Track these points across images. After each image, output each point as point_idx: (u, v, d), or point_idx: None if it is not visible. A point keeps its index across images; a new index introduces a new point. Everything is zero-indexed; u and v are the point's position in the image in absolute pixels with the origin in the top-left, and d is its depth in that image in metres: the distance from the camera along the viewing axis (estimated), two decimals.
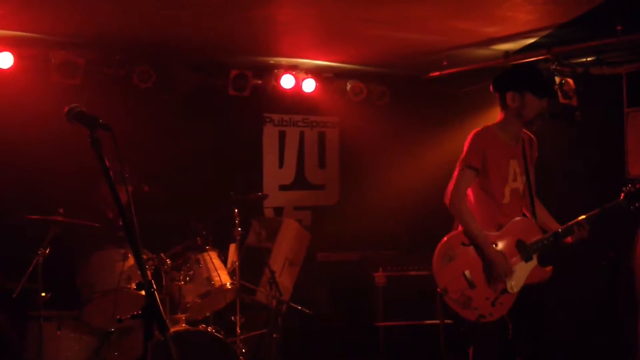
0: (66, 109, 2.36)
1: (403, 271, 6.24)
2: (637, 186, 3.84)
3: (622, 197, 3.86)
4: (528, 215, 4.05)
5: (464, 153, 3.93)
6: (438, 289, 3.82)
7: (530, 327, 3.93)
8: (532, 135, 4.13)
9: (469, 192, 3.98)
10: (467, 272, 3.80)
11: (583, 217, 3.87)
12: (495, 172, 3.89)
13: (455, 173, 3.93)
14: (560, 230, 3.91)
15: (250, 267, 5.70)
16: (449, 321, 5.56)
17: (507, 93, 3.90)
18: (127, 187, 2.26)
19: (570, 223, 3.89)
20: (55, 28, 5.05)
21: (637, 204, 3.85)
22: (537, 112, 3.87)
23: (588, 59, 5.32)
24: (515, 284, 3.82)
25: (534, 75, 3.99)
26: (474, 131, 3.97)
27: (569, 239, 3.92)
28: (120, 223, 2.21)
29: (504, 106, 3.94)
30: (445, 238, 3.92)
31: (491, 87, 4.03)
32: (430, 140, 6.80)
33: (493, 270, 3.79)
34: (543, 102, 3.87)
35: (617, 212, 3.85)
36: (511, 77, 3.98)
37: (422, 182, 6.58)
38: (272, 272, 5.52)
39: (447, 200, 3.91)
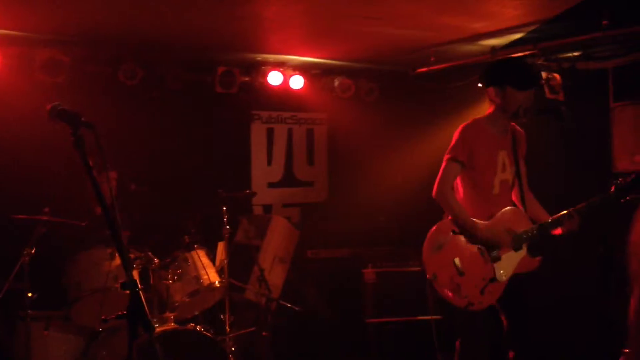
0: (48, 107, 2.34)
1: (393, 267, 6.24)
2: (628, 179, 3.86)
3: (612, 190, 3.89)
4: (519, 206, 4.07)
5: (450, 145, 3.98)
6: (427, 276, 3.87)
7: (521, 317, 3.95)
8: (520, 130, 4.16)
9: (459, 185, 4.03)
10: (456, 260, 3.84)
11: (573, 208, 3.89)
12: (483, 164, 3.93)
13: (442, 165, 3.98)
14: (549, 220, 3.94)
15: (239, 265, 5.68)
16: (438, 317, 5.59)
17: (489, 88, 3.97)
18: (110, 184, 2.23)
19: (559, 214, 3.92)
20: (39, 25, 5.01)
21: (627, 197, 3.87)
22: (519, 105, 3.90)
23: (574, 54, 5.34)
24: (504, 272, 3.84)
25: (514, 68, 4.02)
26: (462, 124, 4.02)
27: (559, 231, 3.94)
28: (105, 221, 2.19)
29: (490, 100, 4.01)
30: (436, 226, 3.96)
31: (479, 82, 4.10)
32: (419, 135, 6.80)
33: (491, 245, 3.81)
34: (525, 94, 3.89)
35: (606, 204, 3.87)
36: (492, 72, 4.03)
37: (412, 178, 6.59)
38: (261, 270, 5.50)
39: (433, 192, 3.96)
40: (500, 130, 4.01)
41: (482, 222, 3.90)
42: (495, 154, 3.97)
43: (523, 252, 3.91)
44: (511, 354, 3.93)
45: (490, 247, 3.86)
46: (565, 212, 3.89)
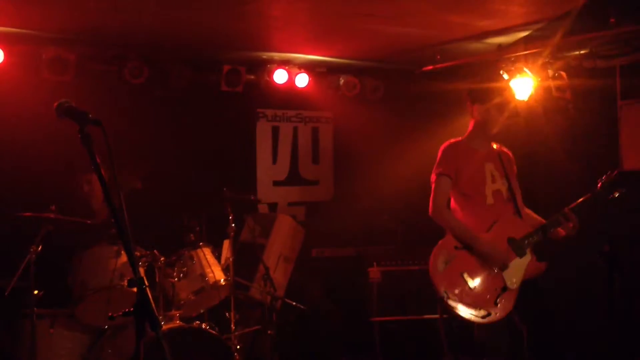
0: (56, 104, 2.34)
1: (398, 266, 6.23)
2: (612, 176, 3.89)
3: (598, 187, 3.93)
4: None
5: (435, 165, 4.09)
6: (439, 295, 3.83)
7: (539, 319, 3.97)
8: (507, 151, 4.25)
9: (454, 204, 4.09)
10: (464, 274, 3.82)
11: (566, 208, 3.93)
12: (470, 175, 4.00)
13: (432, 185, 4.06)
14: (546, 222, 3.95)
15: (245, 263, 5.67)
16: (445, 315, 5.57)
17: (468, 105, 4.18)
18: (117, 181, 2.22)
19: (555, 215, 3.93)
20: (45, 24, 5.01)
21: (615, 194, 3.90)
22: (490, 119, 4.05)
23: (581, 52, 5.31)
24: (515, 280, 3.84)
25: (480, 88, 4.21)
26: (442, 145, 4.15)
27: (560, 232, 3.94)
28: (112, 220, 2.18)
29: (471, 116, 4.19)
30: (439, 243, 3.98)
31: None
32: (424, 134, 6.76)
33: (491, 262, 3.81)
34: (486, 106, 4.03)
35: (596, 200, 3.89)
36: (469, 91, 4.24)
37: (417, 177, 6.53)
38: (267, 268, 5.50)
39: (430, 212, 4.03)
40: (482, 145, 4.12)
41: (483, 234, 3.90)
42: (482, 166, 4.05)
43: (529, 257, 3.91)
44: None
45: (493, 262, 3.85)
46: (559, 212, 3.91)
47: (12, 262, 4.40)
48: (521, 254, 3.89)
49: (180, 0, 4.46)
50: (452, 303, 3.80)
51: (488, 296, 3.80)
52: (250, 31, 5.38)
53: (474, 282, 3.81)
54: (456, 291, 3.81)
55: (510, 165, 4.20)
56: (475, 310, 3.78)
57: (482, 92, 4.13)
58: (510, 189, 4.09)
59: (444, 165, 4.03)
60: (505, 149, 4.24)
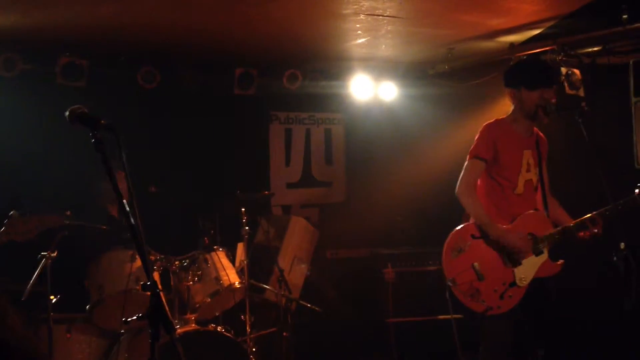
0: (68, 111, 2.35)
1: (412, 267, 6.22)
2: None
3: (637, 192, 3.80)
4: (540, 209, 4.03)
5: (474, 144, 3.98)
6: (446, 280, 3.84)
7: (544, 320, 3.92)
8: (542, 135, 4.15)
9: (481, 184, 4.00)
10: (476, 264, 3.81)
11: (597, 211, 3.83)
12: (508, 162, 3.92)
13: (466, 163, 3.98)
14: (573, 224, 3.88)
15: (259, 266, 5.69)
16: (458, 316, 5.55)
17: (507, 89, 4.02)
18: (130, 186, 2.24)
19: (582, 218, 3.86)
20: (58, 30, 5.05)
21: None
22: (536, 104, 3.90)
23: (594, 49, 5.27)
24: (525, 277, 3.81)
25: (527, 69, 4.10)
26: (485, 123, 4.02)
27: (582, 235, 3.87)
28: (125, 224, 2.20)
29: (511, 101, 4.04)
30: (455, 231, 3.94)
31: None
32: (437, 134, 6.76)
33: (506, 253, 3.78)
34: (538, 93, 3.89)
35: (631, 207, 3.80)
36: (508, 74, 4.08)
37: (430, 178, 6.55)
38: (281, 270, 5.51)
39: (457, 190, 3.96)
40: (523, 130, 4.00)
41: (505, 226, 3.86)
42: (520, 153, 3.95)
43: (545, 256, 3.87)
44: (539, 354, 3.89)
45: (510, 252, 3.82)
46: (588, 215, 3.83)
47: (28, 268, 4.44)
48: (538, 253, 3.86)
49: (191, 4, 4.48)
50: (457, 291, 3.81)
51: (494, 290, 3.78)
52: (263, 34, 5.39)
53: (484, 274, 3.79)
54: (464, 280, 3.79)
55: (543, 150, 4.11)
56: (479, 302, 3.77)
57: (513, 74, 4.04)
58: (540, 177, 4.04)
59: (483, 148, 3.92)
60: (541, 134, 4.14)
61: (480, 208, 3.88)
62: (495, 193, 3.97)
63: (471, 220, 3.94)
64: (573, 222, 3.90)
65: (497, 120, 4.02)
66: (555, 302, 3.99)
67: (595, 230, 3.81)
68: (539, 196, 4.06)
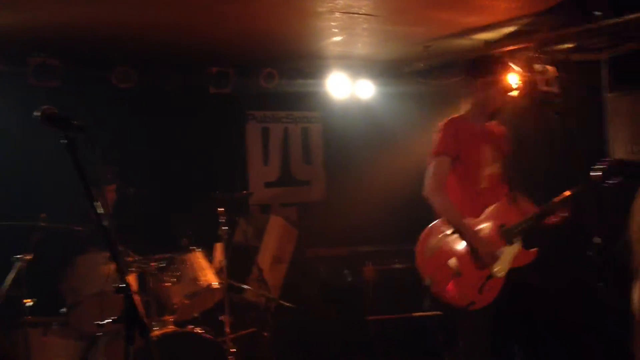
0: (39, 112, 2.32)
1: (392, 265, 6.23)
2: (605, 165, 3.85)
3: (592, 175, 3.87)
4: (508, 200, 4.05)
5: (436, 142, 3.95)
6: (424, 282, 3.81)
7: (524, 310, 3.94)
8: (503, 129, 4.17)
9: (447, 182, 3.97)
10: (452, 261, 3.80)
11: (560, 196, 3.87)
12: (470, 157, 3.92)
13: (430, 163, 3.94)
14: (539, 210, 3.91)
15: (238, 266, 5.66)
16: (437, 312, 5.58)
17: (466, 82, 4.10)
18: (103, 188, 2.21)
19: (549, 202, 3.90)
20: (30, 30, 4.98)
21: (610, 181, 3.86)
22: (489, 97, 3.96)
23: (568, 46, 5.32)
24: (501, 268, 3.81)
25: (472, 62, 4.18)
26: (442, 121, 4.01)
27: (551, 220, 3.91)
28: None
29: (470, 95, 4.09)
30: (428, 228, 3.92)
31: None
32: (414, 132, 6.77)
33: (479, 256, 3.79)
34: (482, 84, 3.95)
35: (592, 189, 3.85)
36: (466, 67, 4.20)
37: (409, 175, 6.51)
38: (260, 270, 5.49)
39: (425, 191, 3.92)
40: (481, 124, 4.02)
41: (474, 220, 3.87)
42: (481, 147, 3.96)
43: (518, 245, 3.89)
44: (516, 349, 3.92)
45: (482, 254, 3.82)
46: (554, 199, 3.87)
47: (3, 271, 4.38)
48: (510, 242, 3.87)
49: (165, 2, 4.44)
50: (436, 291, 3.79)
51: (473, 284, 3.78)
52: (238, 33, 5.37)
53: (461, 270, 3.77)
54: (441, 278, 3.77)
55: (506, 144, 4.13)
56: (460, 297, 3.76)
57: (485, 65, 4.06)
58: (505, 171, 4.06)
59: (445, 144, 3.90)
60: (500, 127, 4.15)
61: (451, 208, 3.85)
62: (461, 189, 3.95)
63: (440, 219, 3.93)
64: (540, 208, 3.93)
65: (454, 117, 4.03)
66: (543, 302, 4.01)
67: (565, 214, 3.86)
68: (505, 189, 4.07)
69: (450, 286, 3.77)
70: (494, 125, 4.11)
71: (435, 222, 3.93)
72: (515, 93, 5.20)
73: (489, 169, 3.96)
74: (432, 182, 3.88)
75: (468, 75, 4.06)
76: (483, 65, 4.05)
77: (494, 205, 3.92)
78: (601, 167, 3.82)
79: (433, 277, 3.79)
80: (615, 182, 3.79)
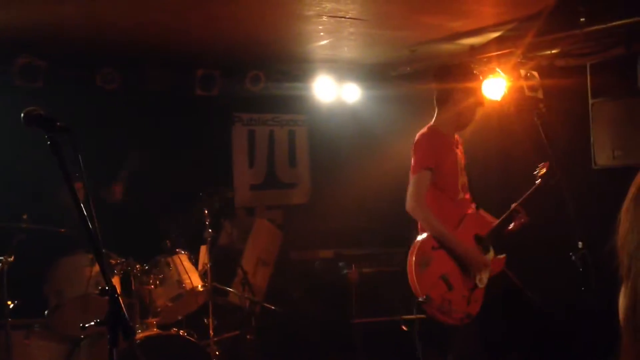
0: (23, 112, 2.30)
1: (376, 267, 6.24)
2: (544, 168, 4.05)
3: (539, 182, 4.05)
4: (474, 209, 4.09)
5: (417, 156, 3.93)
6: (420, 298, 3.73)
7: (511, 315, 3.97)
8: (460, 140, 4.22)
9: (427, 194, 3.95)
10: (445, 275, 3.79)
11: (514, 204, 4.00)
12: (447, 168, 3.94)
13: (412, 178, 3.91)
14: (499, 221, 4.02)
15: (223, 268, 5.64)
16: (422, 316, 5.57)
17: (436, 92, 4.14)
18: (86, 189, 2.20)
19: (506, 213, 4.02)
20: (14, 30, 4.94)
21: (549, 183, 3.95)
22: (459, 104, 4.01)
23: (552, 51, 5.36)
24: (483, 276, 3.84)
25: (448, 69, 4.24)
26: (420, 134, 4.00)
27: (513, 227, 4.02)
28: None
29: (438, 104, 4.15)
30: (415, 244, 3.87)
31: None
32: (400, 136, 6.77)
33: (471, 266, 3.80)
34: (453, 92, 4.01)
35: (538, 191, 3.98)
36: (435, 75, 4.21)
37: (394, 178, 6.54)
38: (245, 273, 5.48)
39: (408, 207, 3.89)
40: (451, 133, 4.07)
41: (455, 231, 3.89)
42: (454, 157, 3.99)
43: (492, 254, 3.92)
44: (509, 349, 3.95)
45: (471, 264, 3.84)
46: (509, 210, 3.98)
47: None
48: (487, 250, 3.90)
49: (152, 4, 4.43)
50: (431, 308, 3.71)
51: (463, 296, 3.80)
52: (225, 34, 5.36)
53: (452, 284, 3.77)
54: (436, 295, 3.72)
55: (463, 152, 4.16)
56: (453, 313, 3.73)
57: (462, 73, 4.12)
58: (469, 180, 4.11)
59: (427, 158, 3.88)
60: (459, 138, 4.17)
61: (436, 221, 3.83)
62: (439, 200, 3.94)
63: (427, 232, 3.90)
64: (498, 219, 4.03)
65: (429, 128, 4.02)
66: (535, 308, 4.05)
67: (523, 220, 3.94)
68: (470, 200, 4.10)
69: (443, 303, 3.74)
70: (457, 136, 4.16)
71: (421, 238, 3.89)
72: (497, 99, 5.25)
73: (462, 179, 3.99)
74: (414, 198, 3.86)
75: (442, 83, 4.05)
76: (460, 73, 4.06)
77: (467, 215, 3.94)
78: (543, 169, 3.90)
79: (430, 292, 3.72)
80: (554, 180, 3.89)
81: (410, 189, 3.89)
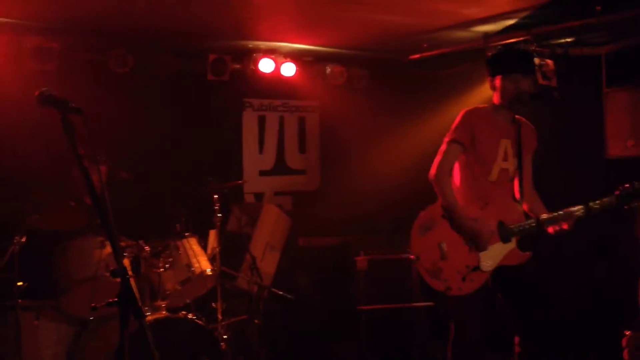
0: (37, 92, 2.33)
1: (384, 255, 6.23)
2: (636, 186, 3.74)
3: (616, 194, 3.75)
4: (517, 198, 4.04)
5: (452, 128, 3.97)
6: (411, 255, 3.91)
7: (526, 304, 3.95)
8: (529, 124, 4.13)
9: (456, 168, 4.00)
10: (442, 244, 3.84)
11: (572, 209, 3.79)
12: (484, 149, 3.91)
13: (442, 147, 3.96)
14: (546, 217, 3.87)
15: (231, 253, 5.66)
16: (430, 303, 5.60)
17: (488, 78, 4.02)
18: (100, 170, 2.20)
19: (557, 213, 3.85)
20: (28, 12, 4.94)
21: (630, 204, 3.75)
22: (511, 93, 3.89)
23: (567, 40, 5.32)
24: (490, 263, 3.82)
25: (503, 57, 4.04)
26: (465, 109, 4.01)
27: (551, 230, 3.86)
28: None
29: (492, 90, 4.04)
30: (427, 208, 3.96)
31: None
32: (410, 123, 6.77)
33: (472, 242, 3.80)
34: (515, 81, 3.88)
35: (607, 209, 3.76)
36: (487, 63, 4.06)
37: (403, 166, 6.57)
38: (253, 258, 5.49)
39: (430, 174, 3.94)
40: (504, 119, 4.00)
41: (473, 212, 3.87)
42: (498, 141, 3.95)
43: (512, 244, 3.89)
44: (517, 339, 3.93)
45: (472, 238, 3.83)
46: (562, 212, 3.82)
47: None
48: (506, 240, 3.87)
49: None
50: (420, 268, 3.87)
51: (457, 271, 3.81)
52: (236, 19, 5.34)
53: (448, 255, 3.82)
54: (428, 258, 3.84)
55: (528, 140, 4.08)
56: (439, 280, 3.81)
57: (490, 62, 4.03)
58: (519, 167, 4.03)
59: (460, 132, 3.91)
60: (527, 123, 4.11)
61: (450, 192, 3.89)
62: (470, 179, 3.96)
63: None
64: (548, 215, 3.90)
65: (476, 108, 4.02)
66: (539, 295, 4.01)
67: (565, 227, 3.82)
68: (516, 187, 4.06)
69: (432, 267, 3.83)
70: (523, 122, 4.09)
71: (434, 204, 3.95)
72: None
73: (504, 164, 3.96)
74: (439, 166, 3.92)
75: (488, 71, 4.02)
76: (500, 61, 4.00)
77: (498, 201, 3.92)
78: (623, 189, 3.72)
79: (421, 254, 3.87)
80: (632, 205, 3.71)
81: (436, 157, 3.96)
